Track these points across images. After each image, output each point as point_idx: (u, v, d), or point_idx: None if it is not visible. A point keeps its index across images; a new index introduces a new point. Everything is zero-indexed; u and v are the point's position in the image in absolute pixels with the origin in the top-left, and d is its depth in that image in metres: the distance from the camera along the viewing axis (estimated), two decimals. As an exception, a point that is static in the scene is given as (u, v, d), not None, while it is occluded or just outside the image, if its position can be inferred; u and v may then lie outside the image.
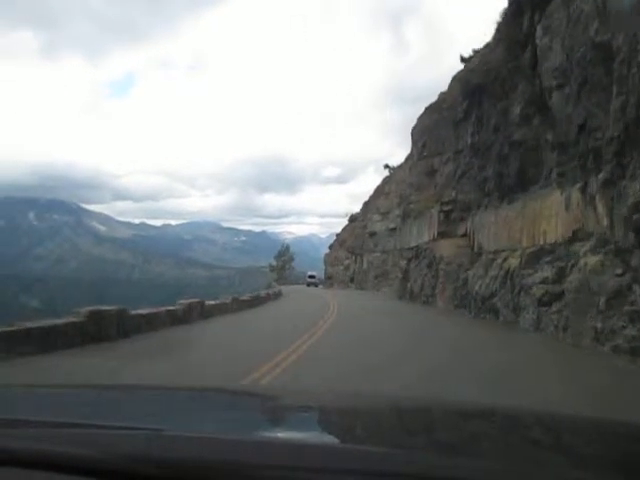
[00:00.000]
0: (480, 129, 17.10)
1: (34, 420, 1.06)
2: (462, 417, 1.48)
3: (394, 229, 36.02)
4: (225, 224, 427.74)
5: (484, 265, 16.51)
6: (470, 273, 17.62)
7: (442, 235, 21.17)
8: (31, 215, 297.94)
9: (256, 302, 21.35)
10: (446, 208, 20.92)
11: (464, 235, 19.44)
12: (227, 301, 17.43)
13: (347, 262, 50.90)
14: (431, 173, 23.22)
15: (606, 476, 0.90)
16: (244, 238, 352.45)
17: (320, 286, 51.89)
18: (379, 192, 43.25)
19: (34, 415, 1.14)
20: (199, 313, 13.68)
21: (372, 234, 43.50)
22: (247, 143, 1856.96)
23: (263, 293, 26.34)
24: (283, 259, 68.22)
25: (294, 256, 69.36)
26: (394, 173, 40.62)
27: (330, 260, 57.11)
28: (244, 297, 20.67)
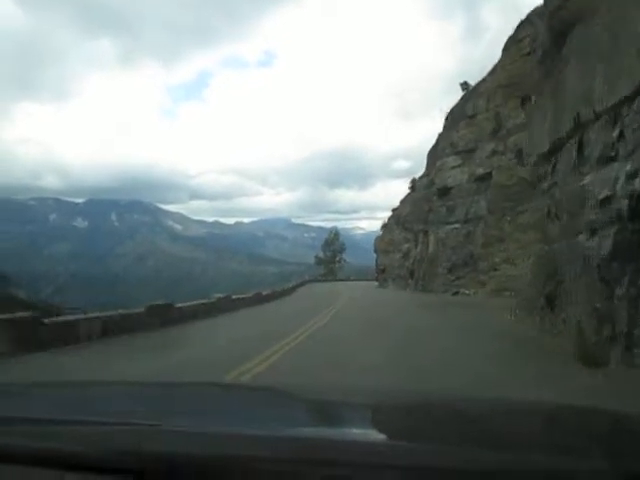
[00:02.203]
0: None
1: (29, 417, 1.08)
2: (474, 410, 1.46)
3: (486, 177, 21.47)
4: (296, 220, 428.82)
5: None
6: None
7: None
8: (113, 216, 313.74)
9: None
10: None
11: None
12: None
13: (406, 246, 33.77)
14: None
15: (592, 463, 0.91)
16: (314, 234, 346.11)
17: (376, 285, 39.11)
18: (457, 118, 25.54)
19: (29, 412, 1.15)
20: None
21: (444, 192, 25.47)
22: (318, 138, 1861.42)
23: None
24: (332, 249, 55.98)
25: (345, 247, 56.60)
26: (483, 82, 23.85)
27: (382, 246, 40.03)
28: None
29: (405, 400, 1.63)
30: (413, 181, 35.47)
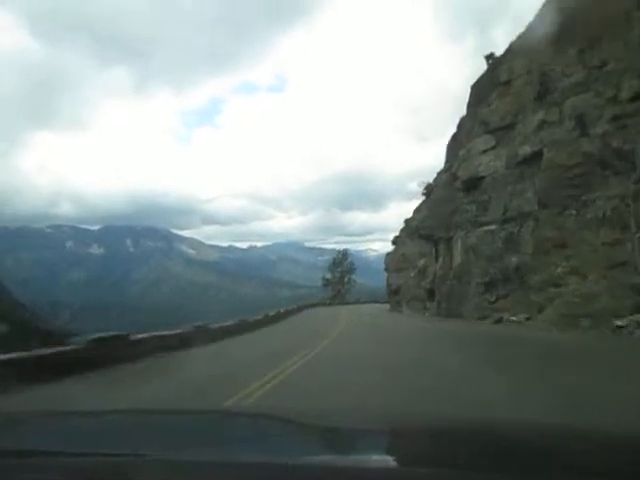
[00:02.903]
0: None
1: (15, 450, 1.06)
2: (476, 432, 1.43)
3: (534, 158, 16.10)
4: (309, 244, 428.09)
5: None
6: None
7: None
8: (128, 242, 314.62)
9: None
10: None
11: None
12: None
13: (422, 261, 28.70)
14: None
15: None
16: (327, 257, 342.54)
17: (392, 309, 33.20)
18: (484, 91, 19.74)
19: (15, 444, 1.14)
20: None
21: (472, 184, 20.22)
22: (331, 161, 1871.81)
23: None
24: (341, 270, 50.39)
25: (355, 268, 50.94)
26: (522, 37, 17.88)
27: (394, 263, 34.57)
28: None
29: (416, 424, 1.57)
30: (428, 186, 29.68)
